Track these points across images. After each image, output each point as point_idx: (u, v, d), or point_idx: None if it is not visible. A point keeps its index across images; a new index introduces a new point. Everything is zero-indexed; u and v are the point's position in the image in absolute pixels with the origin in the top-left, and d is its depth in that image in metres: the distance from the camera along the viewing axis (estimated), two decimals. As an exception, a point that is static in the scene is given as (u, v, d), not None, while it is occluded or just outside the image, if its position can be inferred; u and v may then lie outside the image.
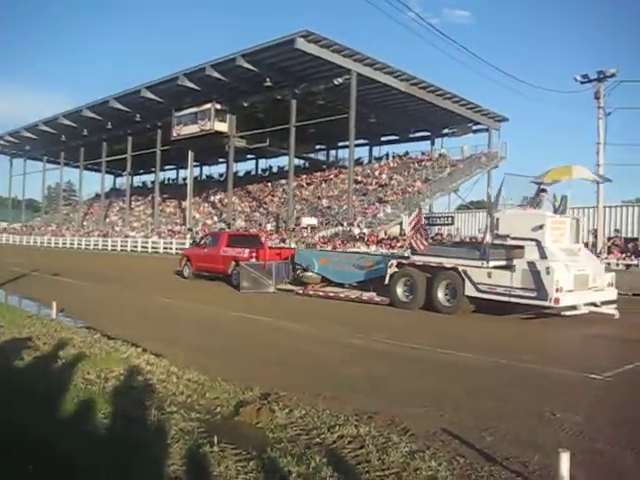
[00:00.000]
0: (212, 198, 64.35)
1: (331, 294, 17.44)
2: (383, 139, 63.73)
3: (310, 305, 16.57)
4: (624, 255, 26.14)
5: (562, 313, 12.87)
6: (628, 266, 25.25)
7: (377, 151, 64.29)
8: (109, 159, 67.94)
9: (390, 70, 43.76)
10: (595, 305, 13.39)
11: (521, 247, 13.44)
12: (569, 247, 13.99)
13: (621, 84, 26.11)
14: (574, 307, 12.92)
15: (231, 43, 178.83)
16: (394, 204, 43.58)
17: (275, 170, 68.66)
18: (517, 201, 15.07)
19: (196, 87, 48.49)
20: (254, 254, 20.80)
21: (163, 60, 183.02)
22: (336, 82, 43.21)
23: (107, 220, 72.92)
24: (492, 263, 13.57)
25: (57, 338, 9.18)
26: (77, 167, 75.83)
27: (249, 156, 70.03)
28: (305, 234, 41.32)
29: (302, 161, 65.63)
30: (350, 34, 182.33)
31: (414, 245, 15.54)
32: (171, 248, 46.69)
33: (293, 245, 34.05)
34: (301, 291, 18.37)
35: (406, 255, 16.83)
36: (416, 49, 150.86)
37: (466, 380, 7.79)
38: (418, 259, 15.26)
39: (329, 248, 32.36)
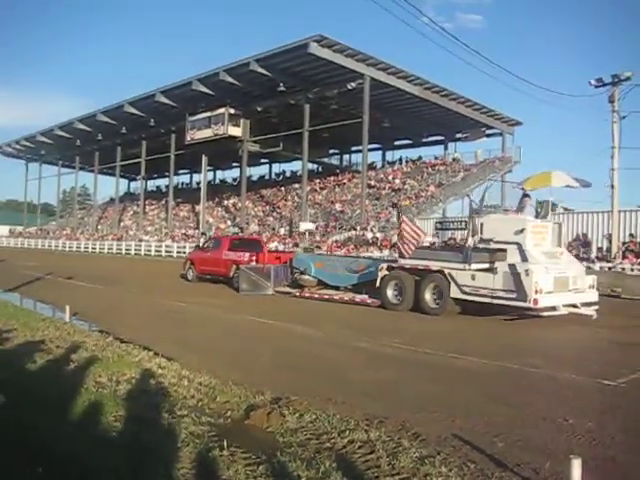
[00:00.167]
0: (226, 202, 64.45)
1: (326, 296, 18.11)
2: (396, 143, 63.73)
3: (313, 308, 16.88)
4: (639, 260, 25.94)
5: (541, 314, 13.38)
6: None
7: (390, 155, 64.21)
8: (123, 163, 68.28)
9: (404, 74, 43.70)
10: (575, 306, 13.74)
11: (504, 250, 13.93)
12: (550, 250, 14.49)
13: (636, 88, 25.98)
14: (554, 308, 13.34)
15: (242, 47, 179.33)
16: (407, 209, 43.47)
17: (288, 174, 68.63)
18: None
19: (210, 92, 48.63)
20: (254, 257, 21.56)
21: (177, 63, 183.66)
22: (349, 87, 43.15)
23: (121, 224, 73.21)
24: (474, 266, 14.09)
25: (70, 341, 9.24)
26: (92, 171, 76.13)
27: (263, 160, 70.21)
28: (318, 238, 41.30)
29: (315, 165, 65.54)
30: (362, 39, 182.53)
31: (401, 250, 16.25)
32: (184, 252, 46.72)
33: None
34: (298, 293, 19.07)
35: (395, 259, 17.31)
36: (429, 54, 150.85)
37: (477, 385, 7.78)
38: (406, 262, 15.88)
39: (341, 252, 32.35)
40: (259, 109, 50.50)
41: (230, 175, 78.20)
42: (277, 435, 5.17)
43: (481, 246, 14.57)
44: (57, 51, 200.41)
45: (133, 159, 65.37)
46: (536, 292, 12.94)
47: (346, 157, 69.11)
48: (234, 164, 70.64)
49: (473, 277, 14.12)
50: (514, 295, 13.32)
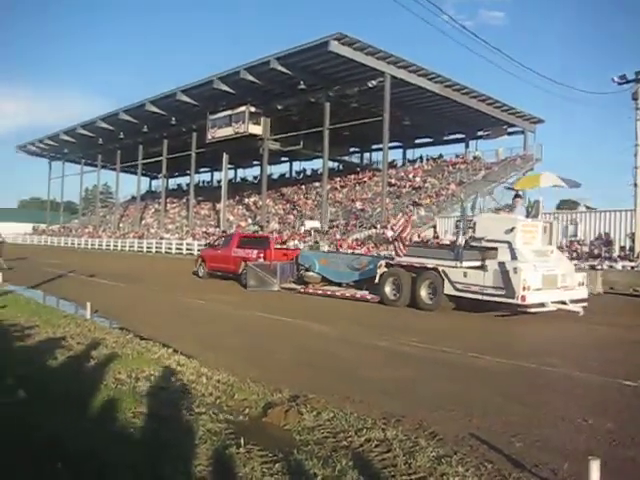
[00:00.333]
0: (246, 200, 64.57)
1: (329, 292, 18.72)
2: (417, 142, 63.42)
3: (321, 304, 17.25)
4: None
5: (529, 310, 13.84)
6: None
7: (411, 154, 63.92)
8: (145, 162, 68.60)
9: (424, 72, 43.43)
10: (563, 303, 14.15)
11: (495, 249, 14.48)
12: (541, 249, 14.96)
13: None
14: (542, 304, 13.78)
15: (261, 46, 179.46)
16: (428, 207, 43.34)
17: (309, 173, 68.69)
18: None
19: (231, 90, 48.62)
20: (262, 255, 22.26)
21: (197, 63, 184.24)
22: (370, 85, 42.98)
23: (143, 222, 73.62)
24: (465, 263, 14.77)
25: (90, 338, 9.35)
26: (114, 170, 76.68)
27: (283, 159, 70.31)
28: (338, 236, 41.26)
29: (336, 164, 65.42)
30: (382, 37, 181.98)
31: (396, 249, 16.97)
32: (205, 250, 46.87)
33: (326, 247, 34.34)
34: (302, 289, 19.64)
35: (392, 257, 17.84)
36: (450, 52, 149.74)
37: (494, 384, 7.76)
38: (403, 260, 16.47)
39: (361, 251, 32.41)
40: (279, 107, 50.43)
41: (251, 173, 78.51)
42: (294, 433, 5.19)
43: (474, 244, 15.20)
44: (79, 50, 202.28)
45: (155, 157, 65.67)
46: (524, 289, 13.37)
47: (367, 155, 69.03)
48: (255, 162, 70.62)
49: (465, 274, 14.67)
50: (503, 292, 13.79)
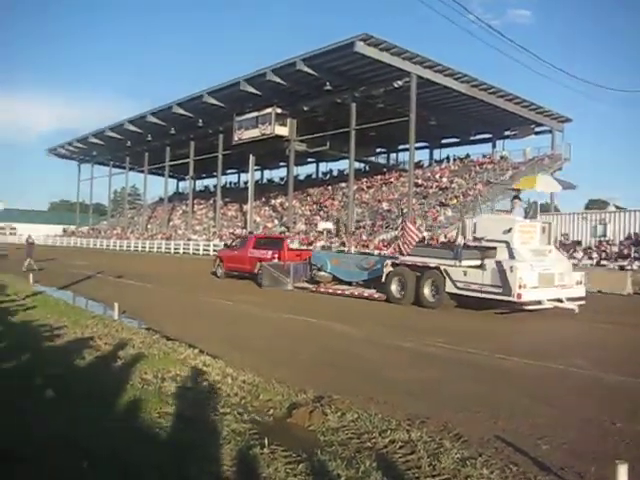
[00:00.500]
0: (273, 201, 64.78)
1: (339, 291, 19.35)
2: (444, 142, 63.13)
3: (347, 304, 17.41)
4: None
5: (525, 307, 14.36)
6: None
7: (438, 154, 63.63)
8: (172, 163, 69.11)
9: (450, 72, 43.21)
10: (560, 301, 14.52)
11: (494, 248, 14.97)
12: (538, 248, 15.38)
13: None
14: (539, 302, 14.27)
15: (285, 48, 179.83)
16: (455, 207, 43.09)
17: (335, 174, 68.52)
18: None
19: (257, 92, 48.77)
20: (276, 255, 23.00)
21: (223, 64, 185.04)
22: (396, 85, 42.90)
23: (170, 223, 74.15)
24: (464, 262, 15.32)
25: (118, 338, 9.43)
26: (142, 172, 77.41)
27: (309, 160, 70.27)
28: (365, 237, 41.24)
29: (362, 164, 65.32)
30: (407, 37, 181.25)
31: (401, 249, 17.58)
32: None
33: (353, 249, 34.40)
34: (314, 288, 20.32)
35: (397, 256, 18.44)
36: (476, 51, 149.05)
37: (521, 386, 7.75)
38: (408, 259, 17.06)
39: (387, 252, 32.46)
40: (306, 108, 50.53)
41: (277, 174, 78.74)
42: (318, 434, 5.19)
43: (474, 244, 15.84)
44: (107, 54, 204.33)
45: (182, 159, 66.15)
46: (520, 287, 13.84)
47: (393, 156, 68.88)
48: (281, 163, 70.95)
49: (465, 273, 15.21)
50: (500, 290, 14.28)
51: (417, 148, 52.33)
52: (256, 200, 62.66)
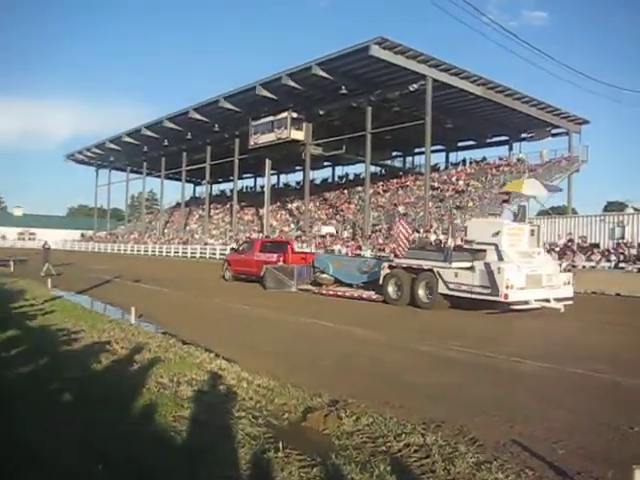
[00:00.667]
0: (289, 205, 64.85)
1: (339, 293, 20.00)
2: (460, 144, 62.70)
3: (364, 308, 17.44)
4: None
5: (513, 307, 14.90)
6: None
7: (454, 157, 63.27)
8: (189, 168, 69.38)
9: (466, 75, 43.08)
10: (547, 301, 15.15)
11: (483, 250, 15.62)
12: (527, 250, 15.92)
13: None
14: (526, 302, 14.85)
15: (302, 53, 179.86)
16: (471, 210, 42.90)
17: (351, 177, 68.47)
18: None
19: (273, 96, 48.88)
20: (281, 258, 23.97)
21: (238, 69, 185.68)
22: (411, 88, 42.84)
23: (187, 228, 74.49)
24: (454, 264, 15.85)
25: (134, 342, 9.48)
26: (159, 177, 77.81)
27: (326, 163, 70.31)
28: (381, 241, 41.15)
29: (378, 168, 65.35)
30: (421, 41, 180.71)
31: (396, 251, 18.36)
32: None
33: (369, 252, 34.45)
34: (317, 290, 20.99)
35: (392, 259, 19.28)
36: (491, 54, 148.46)
37: (537, 390, 7.66)
38: (404, 262, 17.66)
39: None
40: (321, 112, 50.58)
41: (293, 178, 78.63)
42: (333, 438, 5.18)
43: (465, 246, 16.76)
44: (125, 60, 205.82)
45: (198, 164, 66.50)
46: (507, 287, 14.37)
47: (409, 159, 68.70)
48: (297, 167, 70.78)
49: (456, 275, 15.78)
50: (489, 290, 14.83)
51: (433, 151, 52.27)
52: (272, 204, 62.84)
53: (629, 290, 20.85)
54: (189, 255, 56.50)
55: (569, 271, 18.43)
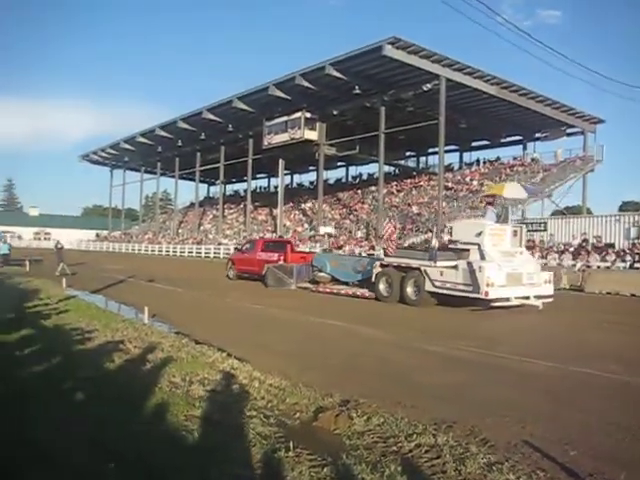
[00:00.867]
0: (303, 205, 64.90)
1: (335, 291, 20.62)
2: (474, 144, 62.51)
3: (375, 308, 17.42)
4: None
5: (493, 304, 15.37)
6: None
7: (468, 157, 63.11)
8: (203, 169, 69.70)
9: (480, 74, 42.96)
10: (527, 298, 15.83)
11: (467, 250, 16.34)
12: (509, 250, 16.64)
13: None
14: (507, 299, 15.45)
15: (315, 52, 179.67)
16: (484, 211, 42.61)
17: (365, 177, 68.57)
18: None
19: (286, 96, 49.02)
20: (282, 257, 24.80)
21: (251, 70, 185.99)
22: (425, 88, 42.76)
23: (201, 228, 74.70)
24: (439, 263, 16.56)
25: (147, 342, 9.52)
26: (173, 177, 78.17)
27: (339, 163, 70.37)
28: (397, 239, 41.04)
29: (392, 168, 65.38)
30: (436, 42, 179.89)
31: (387, 249, 19.16)
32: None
33: (382, 252, 34.45)
34: (314, 288, 21.59)
35: (382, 257, 20.26)
36: (505, 53, 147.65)
37: (549, 390, 7.58)
38: (393, 261, 18.39)
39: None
40: (335, 112, 50.65)
41: (307, 178, 78.71)
42: (344, 437, 5.18)
43: (450, 246, 17.56)
44: (138, 61, 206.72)
45: (212, 164, 66.78)
46: (487, 285, 15.04)
47: (423, 159, 68.66)
48: (311, 168, 70.77)
49: (442, 273, 16.41)
50: (470, 288, 15.51)
51: (447, 151, 52.12)
52: (286, 204, 62.88)
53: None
54: (203, 255, 56.61)
55: (582, 269, 19.50)
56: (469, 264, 15.71)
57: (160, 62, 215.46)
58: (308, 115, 52.26)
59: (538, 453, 5.03)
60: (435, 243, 17.80)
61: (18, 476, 4.28)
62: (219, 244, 58.10)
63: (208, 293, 21.08)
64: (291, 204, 66.06)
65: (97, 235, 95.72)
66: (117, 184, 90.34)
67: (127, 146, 75.12)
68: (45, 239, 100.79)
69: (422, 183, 56.04)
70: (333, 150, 54.72)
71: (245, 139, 60.20)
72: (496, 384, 7.98)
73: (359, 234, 47.28)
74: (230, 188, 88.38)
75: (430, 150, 63.59)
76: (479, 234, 16.21)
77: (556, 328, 14.22)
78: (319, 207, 55.25)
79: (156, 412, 5.72)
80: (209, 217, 79.02)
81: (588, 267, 25.51)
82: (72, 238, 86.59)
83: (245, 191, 71.27)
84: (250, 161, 60.66)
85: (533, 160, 51.84)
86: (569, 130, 53.28)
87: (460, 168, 59.51)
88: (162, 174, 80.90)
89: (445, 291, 16.40)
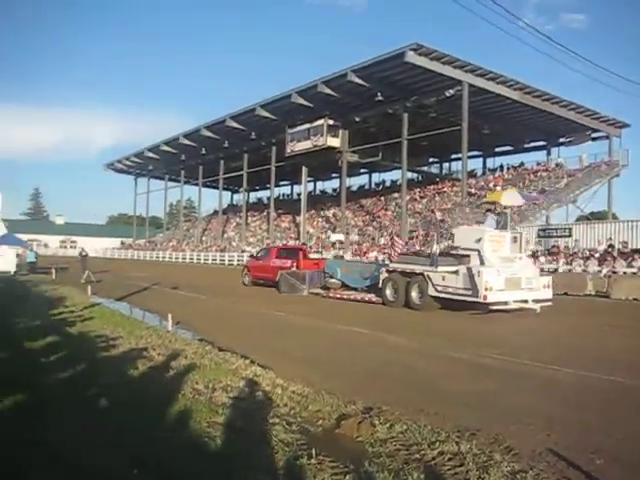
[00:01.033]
0: (326, 213, 64.93)
1: (345, 296, 21.20)
2: (497, 150, 62.07)
3: (394, 315, 17.31)
4: None
5: (492, 308, 15.93)
6: None
7: (491, 162, 62.66)
8: (226, 176, 69.89)
9: (503, 79, 42.75)
10: (525, 302, 16.24)
11: (467, 256, 16.91)
12: (508, 256, 17.11)
13: None
14: (506, 303, 15.96)
15: (337, 59, 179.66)
16: (485, 217, 42.23)
17: (388, 184, 68.28)
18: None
19: (308, 104, 49.11)
20: (295, 264, 25.34)
21: (276, 77, 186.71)
22: (447, 94, 42.63)
23: (225, 235, 74.85)
24: (440, 269, 17.10)
25: (171, 349, 9.56)
26: (196, 185, 78.42)
27: (362, 170, 70.08)
28: (418, 247, 40.89)
29: (415, 174, 65.15)
30: (457, 47, 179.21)
31: (392, 255, 20.51)
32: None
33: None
34: (325, 294, 22.24)
35: (387, 264, 21.34)
36: (527, 58, 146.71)
37: (576, 398, 7.47)
38: (398, 266, 19.01)
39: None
40: (357, 119, 50.59)
41: (330, 186, 78.62)
42: (366, 445, 5.15)
43: (452, 252, 18.17)
44: (162, 70, 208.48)
45: (235, 172, 66.97)
46: (486, 289, 15.56)
47: (446, 165, 68.06)
48: (334, 175, 70.85)
49: (443, 278, 16.95)
50: (470, 292, 16.02)
51: (470, 157, 51.68)
52: (309, 211, 62.91)
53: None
54: (226, 262, 56.72)
55: (608, 275, 19.83)
56: (469, 269, 16.25)
57: (184, 69, 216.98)
58: (330, 122, 52.26)
59: (563, 462, 4.94)
60: (436, 249, 18.39)
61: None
62: (242, 251, 58.15)
63: (231, 300, 21.14)
64: (314, 211, 66.06)
65: (122, 243, 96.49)
66: (141, 192, 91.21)
67: (151, 154, 75.68)
68: (71, 247, 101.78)
69: (445, 189, 55.70)
70: (356, 157, 54.64)
71: (268, 147, 60.35)
72: (520, 391, 7.92)
73: (382, 241, 47.14)
74: (253, 196, 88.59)
75: (453, 156, 63.20)
76: (479, 240, 16.78)
77: (572, 333, 14.16)
78: (342, 214, 55.23)
79: (179, 419, 5.74)
80: (232, 225, 79.22)
81: (614, 273, 25.19)
82: (97, 246, 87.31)
83: (268, 198, 71.39)
84: (273, 168, 60.78)
85: (557, 165, 51.26)
86: (594, 135, 52.71)
87: (483, 174, 59.07)
88: (186, 182, 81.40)
89: (447, 295, 16.89)
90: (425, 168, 66.26)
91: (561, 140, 55.92)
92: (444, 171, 67.16)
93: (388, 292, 18.89)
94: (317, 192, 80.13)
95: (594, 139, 53.25)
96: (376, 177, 72.87)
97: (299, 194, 69.80)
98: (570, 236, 35.48)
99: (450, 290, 16.70)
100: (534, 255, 32.27)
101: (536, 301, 16.35)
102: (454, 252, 17.88)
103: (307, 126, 54.13)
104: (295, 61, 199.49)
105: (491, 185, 50.45)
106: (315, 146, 53.57)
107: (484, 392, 7.71)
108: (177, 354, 9.04)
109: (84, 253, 32.46)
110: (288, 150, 56.73)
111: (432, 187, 58.54)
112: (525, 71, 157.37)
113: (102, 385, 6.93)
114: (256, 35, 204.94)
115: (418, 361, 10.02)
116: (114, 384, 6.97)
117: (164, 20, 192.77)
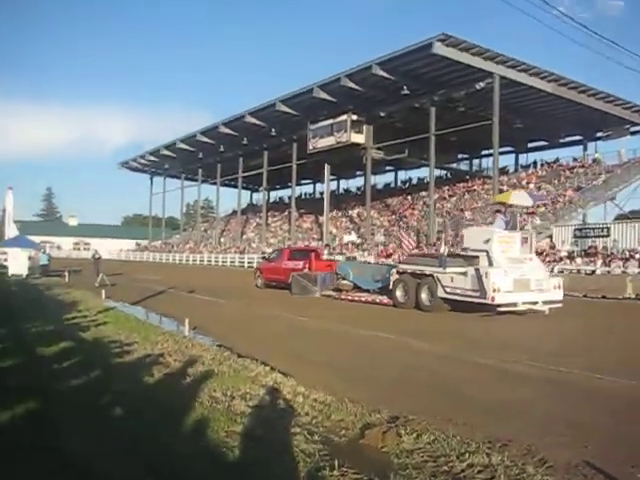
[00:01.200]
0: (350, 212, 63.92)
1: (356, 298, 21.42)
2: (530, 145, 60.32)
3: (417, 317, 17.39)
4: None
5: (500, 309, 15.89)
6: None
7: (524, 159, 60.99)
8: (245, 175, 69.06)
9: (536, 71, 41.12)
10: (535, 303, 16.35)
11: (477, 257, 17.03)
12: (518, 257, 17.19)
13: None
14: (515, 304, 16.02)
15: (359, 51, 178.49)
16: (543, 215, 40.68)
17: (415, 182, 67.00)
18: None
19: (331, 98, 47.97)
20: (307, 266, 25.67)
21: (296, 72, 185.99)
22: (477, 87, 41.26)
23: (244, 236, 74.04)
24: (448, 270, 17.28)
25: (188, 355, 9.48)
26: (214, 184, 77.78)
27: (387, 168, 68.98)
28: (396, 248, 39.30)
29: (443, 172, 63.51)
30: (487, 39, 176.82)
31: (400, 257, 20.68)
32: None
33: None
34: (337, 296, 22.42)
35: (397, 265, 21.54)
36: (561, 49, 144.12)
37: (613, 407, 7.12)
38: (409, 268, 19.25)
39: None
40: (382, 114, 49.23)
41: (354, 184, 77.56)
42: (392, 456, 5.04)
43: (461, 253, 18.63)
44: (178, 65, 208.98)
45: (255, 170, 66.09)
46: (494, 291, 15.65)
47: (476, 162, 66.26)
48: (358, 172, 69.67)
49: (452, 279, 17.10)
50: (478, 294, 16.12)
51: (501, 153, 49.91)
52: (332, 211, 61.69)
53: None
54: (246, 265, 55.35)
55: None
56: (477, 270, 16.37)
57: (203, 64, 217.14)
58: (354, 117, 50.97)
59: (601, 475, 4.76)
60: (444, 250, 18.89)
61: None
62: (263, 253, 56.82)
63: (250, 303, 21.10)
64: (337, 211, 65.01)
65: (137, 245, 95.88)
66: (157, 192, 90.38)
67: (167, 152, 74.88)
68: (85, 249, 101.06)
69: (475, 187, 54.36)
70: (381, 154, 53.25)
71: (289, 143, 59.28)
72: (553, 399, 7.65)
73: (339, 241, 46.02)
74: (274, 195, 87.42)
75: (484, 152, 61.15)
76: (487, 241, 16.95)
77: (594, 336, 13.95)
78: (367, 214, 53.97)
79: (196, 428, 5.61)
80: (252, 225, 78.34)
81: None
82: (112, 248, 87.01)
83: (289, 198, 70.52)
84: (294, 166, 59.57)
85: (594, 161, 49.62)
86: (633, 128, 50.59)
87: (516, 171, 57.74)
88: (203, 181, 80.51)
89: (456, 297, 17.02)
90: (454, 165, 64.62)
91: (598, 134, 53.70)
92: (474, 168, 65.32)
93: (399, 294, 19.13)
94: (340, 191, 78.91)
95: (633, 133, 51.31)
96: (402, 175, 71.67)
97: (322, 193, 68.41)
98: (608, 236, 34.81)
99: (459, 291, 16.82)
100: (570, 256, 30.88)
101: (546, 302, 16.41)
102: (464, 253, 18.13)
103: (330, 122, 52.90)
104: (317, 54, 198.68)
105: (524, 182, 49.03)
106: (338, 142, 52.24)
107: (515, 400, 7.46)
108: (194, 360, 8.90)
109: (97, 256, 32.13)
110: (310, 147, 55.53)
111: (462, 185, 57.19)
112: (559, 63, 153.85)
113: (116, 392, 6.85)
114: (279, 27, 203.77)
115: (443, 367, 9.92)
116: (128, 391, 6.91)
117: (182, 14, 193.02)
